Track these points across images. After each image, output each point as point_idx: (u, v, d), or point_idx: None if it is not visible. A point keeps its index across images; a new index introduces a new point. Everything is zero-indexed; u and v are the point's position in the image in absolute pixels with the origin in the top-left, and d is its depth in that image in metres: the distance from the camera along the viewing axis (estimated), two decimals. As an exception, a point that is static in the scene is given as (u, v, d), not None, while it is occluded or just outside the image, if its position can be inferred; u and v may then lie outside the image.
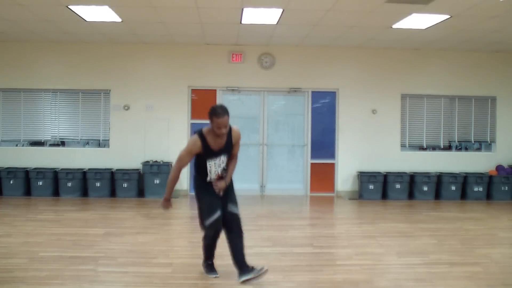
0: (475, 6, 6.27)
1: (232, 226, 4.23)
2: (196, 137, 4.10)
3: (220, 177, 4.20)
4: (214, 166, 4.14)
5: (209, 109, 4.04)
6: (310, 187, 9.53)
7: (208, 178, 4.18)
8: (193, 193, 9.61)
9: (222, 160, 4.15)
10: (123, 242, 5.57)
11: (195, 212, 8.62)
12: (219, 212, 4.13)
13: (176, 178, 4.15)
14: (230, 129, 4.17)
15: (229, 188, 4.31)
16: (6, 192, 8.68)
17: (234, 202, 4.28)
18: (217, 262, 4.79)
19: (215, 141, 4.10)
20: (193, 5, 6.47)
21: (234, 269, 4.56)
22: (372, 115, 9.42)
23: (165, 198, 4.22)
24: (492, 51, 9.34)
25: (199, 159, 4.17)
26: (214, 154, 4.11)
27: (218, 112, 3.98)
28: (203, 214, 4.20)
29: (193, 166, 4.36)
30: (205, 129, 4.13)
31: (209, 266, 4.37)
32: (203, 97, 9.38)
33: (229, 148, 4.20)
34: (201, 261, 4.45)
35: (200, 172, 4.24)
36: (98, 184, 8.72)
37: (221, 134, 4.04)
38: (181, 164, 4.14)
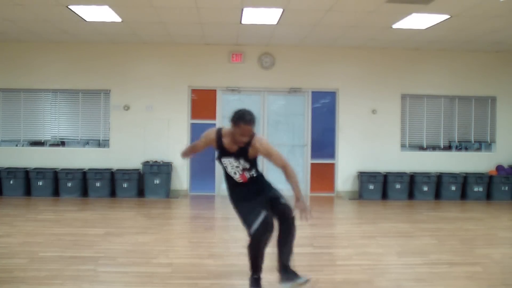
0: (475, 6, 6.27)
1: (284, 219, 3.82)
2: (214, 129, 3.93)
3: (247, 179, 3.88)
4: (230, 166, 3.84)
5: (235, 112, 3.71)
6: (310, 187, 9.52)
7: (235, 178, 3.90)
8: (193, 193, 9.67)
9: (240, 162, 3.79)
10: (123, 242, 5.57)
11: (195, 212, 8.66)
12: (264, 213, 3.69)
13: (192, 149, 4.14)
14: (253, 137, 3.76)
15: (265, 185, 3.95)
16: (6, 192, 8.68)
17: (281, 196, 3.89)
18: (216, 262, 4.81)
19: (230, 145, 3.80)
20: (193, 5, 6.47)
21: (234, 269, 4.58)
22: (372, 115, 9.41)
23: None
24: (492, 51, 9.33)
25: (218, 157, 3.91)
26: (228, 154, 3.81)
27: (247, 119, 3.63)
28: (248, 223, 3.74)
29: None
30: (224, 130, 3.87)
31: (254, 280, 3.86)
32: (203, 97, 9.38)
33: (243, 155, 3.78)
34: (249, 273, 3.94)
35: (224, 171, 3.97)
36: (98, 184, 8.72)
37: (241, 143, 3.72)
38: (196, 143, 4.10)
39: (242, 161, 3.81)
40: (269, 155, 3.81)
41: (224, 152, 3.83)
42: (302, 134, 9.57)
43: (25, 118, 9.20)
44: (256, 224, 3.64)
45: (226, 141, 3.81)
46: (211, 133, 3.91)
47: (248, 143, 3.74)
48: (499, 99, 9.60)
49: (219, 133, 3.86)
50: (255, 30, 7.94)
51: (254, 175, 3.92)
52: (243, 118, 3.63)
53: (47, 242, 5.47)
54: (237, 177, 3.88)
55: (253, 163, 3.87)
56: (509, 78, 9.56)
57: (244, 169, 3.85)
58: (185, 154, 4.21)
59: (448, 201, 8.93)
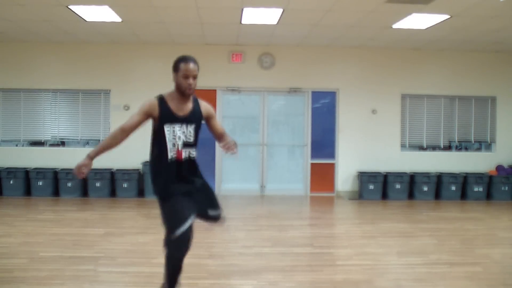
0: (475, 6, 6.28)
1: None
2: (152, 98, 3.40)
3: (182, 158, 3.36)
4: (171, 136, 3.31)
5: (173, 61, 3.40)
6: (310, 187, 9.52)
7: (168, 155, 3.32)
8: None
9: (189, 130, 3.37)
10: (123, 242, 5.57)
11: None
12: (191, 219, 3.28)
13: (114, 138, 3.21)
14: (197, 99, 3.53)
15: (199, 175, 3.54)
16: (6, 192, 8.68)
17: (214, 205, 3.72)
18: (216, 262, 4.82)
19: (178, 106, 3.38)
20: (193, 5, 6.47)
21: (234, 269, 4.57)
22: (372, 115, 9.42)
23: (89, 155, 3.17)
24: (492, 51, 9.34)
25: (157, 129, 3.35)
26: (177, 119, 3.35)
27: (186, 58, 3.32)
28: (170, 224, 3.27)
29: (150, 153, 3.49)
30: (166, 93, 3.45)
31: None
32: (203, 97, 9.19)
33: (197, 118, 3.44)
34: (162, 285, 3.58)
35: (156, 150, 3.37)
36: (98, 184, 8.72)
37: (190, 87, 3.32)
38: (126, 123, 3.26)
39: (190, 130, 3.39)
40: (211, 117, 3.64)
41: (169, 117, 3.33)
42: (302, 134, 9.57)
43: (25, 118, 9.20)
44: (179, 231, 3.20)
45: (172, 104, 3.37)
46: (151, 101, 3.36)
47: (196, 101, 3.51)
48: (499, 99, 9.61)
49: (161, 98, 3.39)
50: (255, 30, 7.94)
51: (193, 156, 3.45)
52: (182, 59, 3.34)
53: (47, 242, 5.47)
54: (172, 154, 3.32)
55: (197, 137, 3.47)
56: (509, 78, 9.56)
57: (186, 144, 3.36)
58: (102, 149, 3.22)
59: (448, 201, 8.93)
